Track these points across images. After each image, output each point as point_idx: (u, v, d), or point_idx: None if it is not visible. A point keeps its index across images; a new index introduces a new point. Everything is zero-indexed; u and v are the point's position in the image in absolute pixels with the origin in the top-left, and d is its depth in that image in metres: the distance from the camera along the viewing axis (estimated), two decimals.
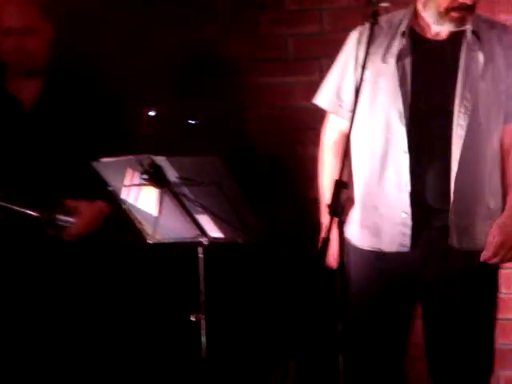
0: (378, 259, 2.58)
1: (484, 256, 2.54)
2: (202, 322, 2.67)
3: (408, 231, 2.52)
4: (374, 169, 2.55)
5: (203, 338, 2.67)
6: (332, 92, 2.63)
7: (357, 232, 2.61)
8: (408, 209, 2.51)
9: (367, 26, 2.52)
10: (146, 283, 3.31)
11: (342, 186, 2.34)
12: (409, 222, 2.52)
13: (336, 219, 2.28)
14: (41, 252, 2.98)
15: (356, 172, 2.63)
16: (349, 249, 2.57)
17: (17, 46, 3.02)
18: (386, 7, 2.59)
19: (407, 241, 2.52)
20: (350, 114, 2.42)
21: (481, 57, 2.53)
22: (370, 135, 2.55)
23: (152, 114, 2.77)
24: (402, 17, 2.59)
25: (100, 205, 2.98)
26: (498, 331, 3.53)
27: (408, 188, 2.51)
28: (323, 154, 2.70)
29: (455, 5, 2.47)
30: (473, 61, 2.52)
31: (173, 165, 2.59)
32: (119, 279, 3.06)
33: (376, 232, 2.57)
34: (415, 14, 2.57)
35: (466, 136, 2.49)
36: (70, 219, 2.93)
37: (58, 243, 2.95)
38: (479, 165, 2.53)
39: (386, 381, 2.62)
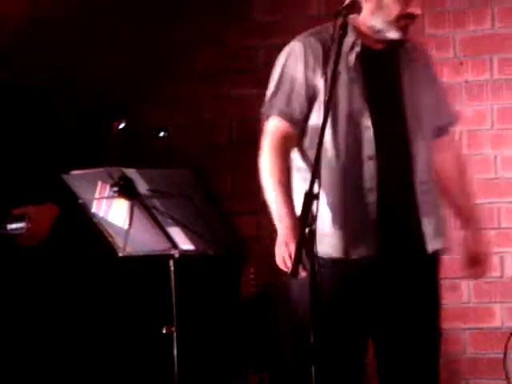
0: (345, 268, 2.58)
1: (481, 273, 2.66)
2: (174, 335, 2.68)
3: (376, 237, 2.54)
4: (341, 178, 2.56)
5: (174, 351, 2.67)
6: (283, 102, 2.61)
7: (327, 243, 2.59)
8: (375, 215, 2.54)
9: (308, 37, 2.59)
10: (119, 296, 3.31)
11: (314, 197, 2.35)
12: (377, 228, 2.54)
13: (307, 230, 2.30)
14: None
15: (325, 183, 2.60)
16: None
17: None
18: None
19: (376, 247, 2.54)
20: (300, 123, 2.52)
21: (417, 66, 2.63)
22: (334, 144, 2.56)
23: (122, 126, 2.77)
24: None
25: (48, 206, 2.96)
26: (469, 340, 3.58)
27: (375, 194, 2.54)
28: (273, 158, 2.58)
29: (404, 13, 2.53)
30: (412, 69, 2.62)
31: (143, 177, 2.60)
32: (92, 291, 3.05)
33: (347, 240, 2.57)
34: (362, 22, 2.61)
35: (419, 142, 2.56)
36: (21, 225, 2.91)
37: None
38: (432, 169, 2.62)
39: None
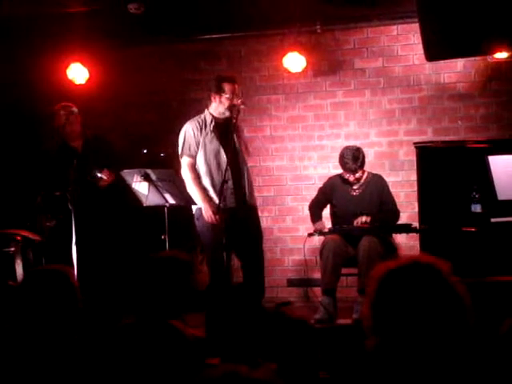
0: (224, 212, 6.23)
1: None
2: (166, 240, 6.35)
3: (233, 197, 6.18)
4: (216, 173, 6.17)
5: (166, 248, 6.36)
6: (187, 150, 6.22)
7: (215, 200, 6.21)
8: (232, 188, 6.15)
9: (193, 122, 6.25)
10: (142, 221, 6.95)
11: (225, 182, 6.04)
12: (233, 194, 6.16)
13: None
14: None
15: (210, 178, 6.24)
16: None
17: None
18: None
19: (234, 202, 6.18)
20: (196, 158, 6.18)
21: (236, 126, 6.23)
22: (211, 164, 6.20)
23: (145, 151, 6.44)
24: (206, 115, 6.25)
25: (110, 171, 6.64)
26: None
27: (230, 179, 6.11)
28: (191, 173, 6.23)
29: (231, 105, 6.12)
30: (237, 129, 6.24)
31: (154, 173, 6.26)
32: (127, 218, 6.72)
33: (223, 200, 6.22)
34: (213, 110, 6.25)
35: (243, 162, 6.24)
36: (101, 174, 6.53)
37: None
38: (248, 173, 6.29)
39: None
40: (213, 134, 6.20)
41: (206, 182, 6.20)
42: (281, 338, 2.41)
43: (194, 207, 6.24)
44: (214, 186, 6.17)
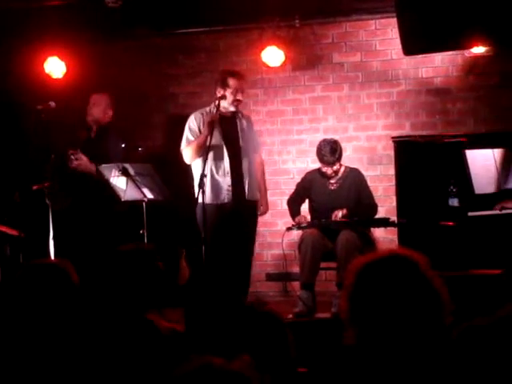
0: (217, 208, 6.25)
1: (262, 212, 6.38)
2: (145, 234, 6.32)
3: (230, 193, 6.22)
4: (213, 168, 6.21)
5: (145, 240, 6.33)
6: (187, 141, 6.26)
7: (208, 196, 6.24)
8: (230, 183, 6.21)
9: (197, 113, 6.29)
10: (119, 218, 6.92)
11: (204, 176, 6.03)
12: (230, 190, 6.22)
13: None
14: None
15: (209, 170, 6.28)
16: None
17: None
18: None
19: (230, 197, 6.22)
20: None
21: (244, 122, 6.30)
22: (212, 155, 6.22)
23: (123, 145, 6.41)
24: (211, 107, 6.24)
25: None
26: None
27: (229, 175, 6.20)
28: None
29: (235, 99, 6.17)
30: (242, 124, 6.29)
31: (132, 167, 6.24)
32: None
33: (217, 195, 6.25)
34: (218, 104, 6.23)
35: (246, 158, 6.24)
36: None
37: None
38: (251, 168, 6.29)
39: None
40: (215, 127, 6.13)
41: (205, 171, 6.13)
42: (252, 332, 2.41)
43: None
44: (212, 178, 6.17)
